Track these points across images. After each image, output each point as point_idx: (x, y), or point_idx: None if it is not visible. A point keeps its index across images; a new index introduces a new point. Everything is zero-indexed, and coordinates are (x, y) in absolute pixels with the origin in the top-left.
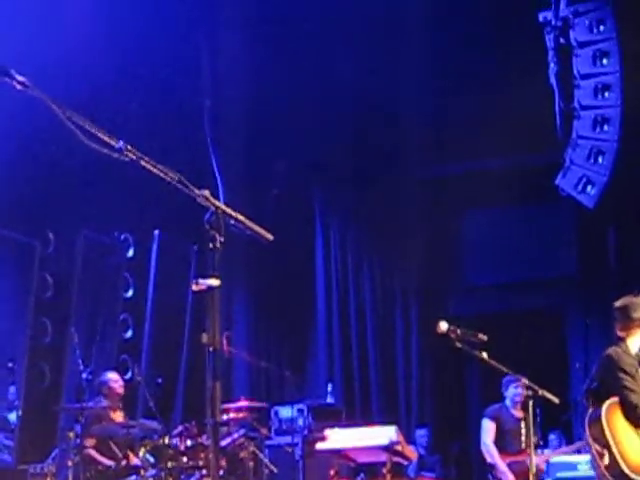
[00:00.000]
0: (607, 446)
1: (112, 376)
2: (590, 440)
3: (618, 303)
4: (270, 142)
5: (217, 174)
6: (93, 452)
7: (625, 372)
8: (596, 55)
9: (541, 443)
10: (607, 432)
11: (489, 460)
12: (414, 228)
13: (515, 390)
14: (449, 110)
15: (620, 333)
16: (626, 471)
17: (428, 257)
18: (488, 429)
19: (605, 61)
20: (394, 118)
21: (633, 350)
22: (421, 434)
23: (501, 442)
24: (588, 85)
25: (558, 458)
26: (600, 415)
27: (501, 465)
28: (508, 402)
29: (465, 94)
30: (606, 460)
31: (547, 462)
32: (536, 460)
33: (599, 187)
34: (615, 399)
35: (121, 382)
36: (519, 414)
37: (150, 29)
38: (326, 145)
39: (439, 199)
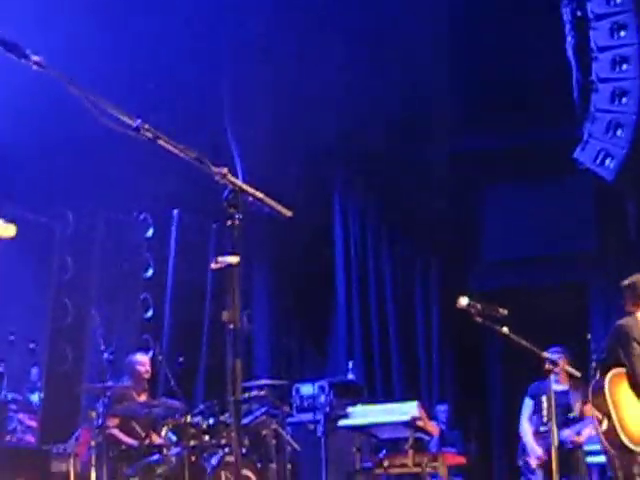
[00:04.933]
0: (607, 414)
1: (139, 358)
2: (593, 409)
3: (626, 281)
4: (290, 121)
5: (235, 152)
6: (116, 431)
7: (637, 342)
8: (614, 27)
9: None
10: (609, 400)
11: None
12: (433, 203)
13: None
14: (466, 87)
15: (630, 309)
16: (624, 439)
17: (448, 232)
18: (524, 407)
19: (623, 33)
20: (413, 94)
21: None
22: (442, 409)
23: None
24: (606, 58)
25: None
26: (603, 384)
27: (528, 443)
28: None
29: (481, 71)
30: (604, 426)
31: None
32: (569, 433)
33: (618, 160)
34: (620, 369)
35: (148, 365)
36: (564, 385)
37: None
38: (344, 120)
39: (458, 174)
